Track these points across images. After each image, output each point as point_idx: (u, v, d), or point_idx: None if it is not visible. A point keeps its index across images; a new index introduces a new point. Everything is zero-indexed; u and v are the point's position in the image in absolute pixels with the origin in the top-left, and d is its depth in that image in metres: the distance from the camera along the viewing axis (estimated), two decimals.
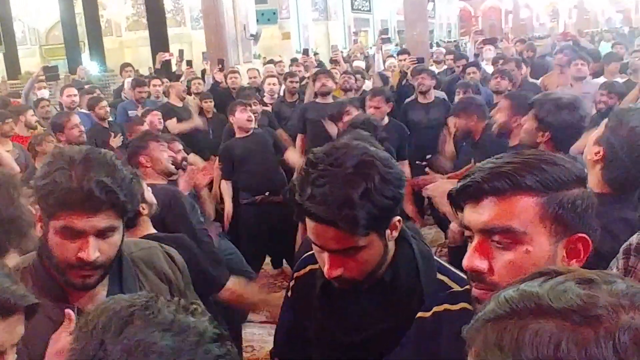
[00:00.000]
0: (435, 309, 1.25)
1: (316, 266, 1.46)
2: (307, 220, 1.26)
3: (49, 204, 1.30)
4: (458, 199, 1.08)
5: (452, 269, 1.46)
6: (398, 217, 1.33)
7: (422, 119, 5.65)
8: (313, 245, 1.32)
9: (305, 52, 11.66)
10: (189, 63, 9.77)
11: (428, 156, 5.22)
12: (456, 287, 1.39)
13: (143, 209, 2.59)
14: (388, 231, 1.32)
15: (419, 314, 1.29)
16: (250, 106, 4.90)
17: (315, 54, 12.98)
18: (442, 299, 1.27)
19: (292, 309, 1.61)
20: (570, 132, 2.69)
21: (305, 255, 1.58)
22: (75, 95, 6.44)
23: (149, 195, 2.63)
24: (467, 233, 1.08)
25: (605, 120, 2.09)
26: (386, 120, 4.77)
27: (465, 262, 1.05)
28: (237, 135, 4.73)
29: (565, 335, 0.58)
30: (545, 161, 1.04)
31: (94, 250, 1.31)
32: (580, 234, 1.02)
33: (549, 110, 2.69)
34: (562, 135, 2.67)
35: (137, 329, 0.78)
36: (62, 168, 1.29)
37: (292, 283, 1.60)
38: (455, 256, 4.53)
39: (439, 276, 1.41)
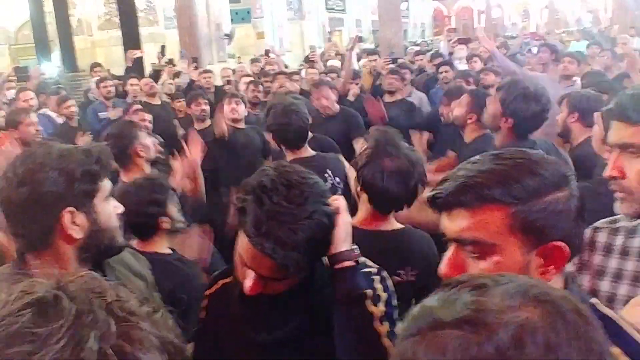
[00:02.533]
0: None
1: (228, 280, 1.49)
2: (246, 242, 1.25)
3: (86, 187, 1.39)
4: (433, 207, 1.09)
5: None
6: None
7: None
8: (239, 260, 1.32)
9: (267, 52, 11.71)
10: (171, 61, 9.66)
11: None
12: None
13: (163, 222, 2.51)
14: None
15: None
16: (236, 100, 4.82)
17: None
18: None
19: (207, 332, 1.55)
20: (533, 122, 2.77)
21: (217, 272, 1.61)
22: (32, 98, 6.35)
23: (173, 209, 2.56)
24: (446, 237, 1.09)
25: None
26: (337, 108, 4.83)
27: (440, 271, 1.06)
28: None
29: (452, 342, 0.61)
30: (520, 168, 1.03)
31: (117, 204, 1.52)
32: (554, 243, 1.02)
33: (516, 99, 2.74)
34: (525, 124, 2.75)
35: None
36: (75, 156, 1.40)
37: (204, 302, 1.57)
38: None
39: None
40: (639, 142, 1.29)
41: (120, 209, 1.51)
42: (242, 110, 4.72)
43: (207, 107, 5.32)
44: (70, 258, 1.41)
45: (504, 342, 0.60)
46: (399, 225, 2.16)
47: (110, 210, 1.46)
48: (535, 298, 0.64)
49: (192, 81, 7.90)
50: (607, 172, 1.34)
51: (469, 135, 3.72)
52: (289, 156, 3.31)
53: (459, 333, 0.61)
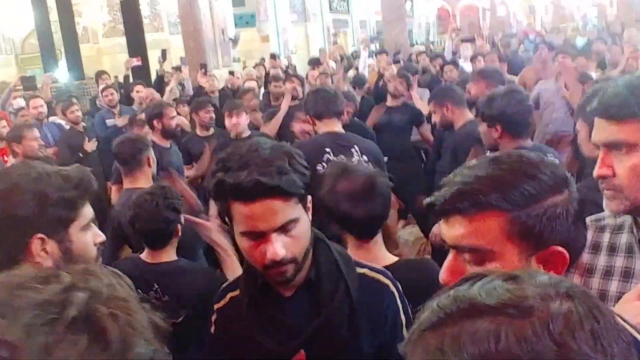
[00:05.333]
0: None
1: (236, 293, 1.50)
2: (242, 208, 1.29)
3: (62, 214, 1.33)
4: (430, 214, 1.08)
5: (367, 263, 1.55)
6: (310, 198, 1.42)
7: (384, 121, 5.71)
8: (245, 243, 1.34)
9: (273, 56, 11.72)
10: (178, 68, 9.69)
11: (385, 158, 5.37)
12: (379, 277, 1.51)
13: (179, 228, 2.53)
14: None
15: None
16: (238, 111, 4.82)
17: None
18: None
19: (218, 347, 1.55)
20: (518, 117, 2.86)
21: (224, 285, 1.61)
22: (42, 106, 6.40)
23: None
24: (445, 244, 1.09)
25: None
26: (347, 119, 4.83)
27: (440, 277, 1.06)
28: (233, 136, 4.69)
29: (503, 328, 0.60)
30: (517, 173, 1.01)
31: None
32: (553, 248, 1.01)
33: (490, 105, 2.88)
34: (512, 122, 2.85)
35: None
36: (48, 184, 1.32)
37: (214, 317, 1.56)
38: (438, 256, 4.58)
39: (359, 270, 1.50)
40: (626, 139, 1.27)
41: (101, 238, 1.42)
42: (243, 121, 4.70)
43: (214, 115, 5.36)
44: None
45: (558, 329, 0.60)
46: (393, 259, 1.95)
47: (87, 239, 1.37)
48: (568, 291, 0.65)
49: (200, 87, 7.89)
50: (597, 172, 1.32)
51: (457, 125, 3.85)
52: (321, 128, 3.43)
53: (507, 319, 0.60)
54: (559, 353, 0.59)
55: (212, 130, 5.24)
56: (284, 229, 1.31)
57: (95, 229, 1.41)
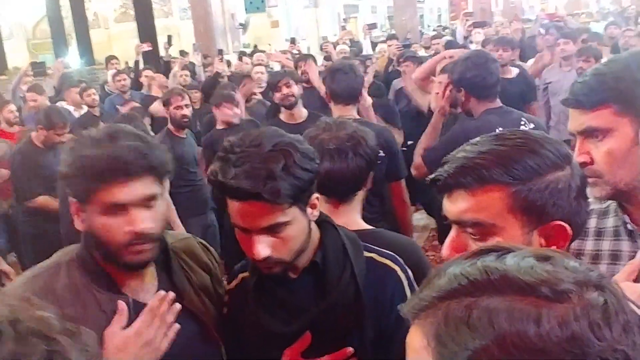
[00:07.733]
0: None
1: (247, 273, 1.50)
2: (232, 203, 1.30)
3: (83, 186, 1.26)
4: (434, 189, 1.09)
5: (376, 247, 1.52)
6: (317, 195, 1.39)
7: (404, 105, 5.64)
8: (238, 234, 1.35)
9: (293, 40, 11.62)
10: (183, 53, 9.65)
11: (409, 142, 5.33)
12: (387, 262, 1.48)
13: None
14: (309, 209, 1.38)
15: None
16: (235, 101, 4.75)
17: None
18: None
19: (230, 328, 1.54)
20: (477, 80, 3.01)
21: (236, 267, 1.60)
22: (39, 97, 6.40)
23: None
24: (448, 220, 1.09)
25: None
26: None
27: (442, 253, 1.07)
28: (220, 127, 4.59)
29: (543, 311, 0.58)
30: (520, 148, 1.03)
31: (141, 221, 1.27)
32: (555, 222, 1.02)
33: (452, 71, 3.11)
34: (472, 85, 3.01)
35: None
36: (88, 147, 1.26)
37: (226, 298, 1.58)
38: None
39: (367, 254, 1.48)
40: (599, 125, 1.30)
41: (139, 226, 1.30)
42: (238, 111, 4.62)
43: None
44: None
45: (597, 322, 0.58)
46: (368, 226, 1.82)
47: (102, 224, 1.28)
48: (599, 281, 0.62)
49: (217, 74, 7.79)
50: (575, 160, 1.35)
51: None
52: (335, 112, 3.34)
53: (544, 301, 0.58)
54: (600, 346, 0.57)
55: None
56: (271, 229, 1.30)
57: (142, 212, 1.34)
